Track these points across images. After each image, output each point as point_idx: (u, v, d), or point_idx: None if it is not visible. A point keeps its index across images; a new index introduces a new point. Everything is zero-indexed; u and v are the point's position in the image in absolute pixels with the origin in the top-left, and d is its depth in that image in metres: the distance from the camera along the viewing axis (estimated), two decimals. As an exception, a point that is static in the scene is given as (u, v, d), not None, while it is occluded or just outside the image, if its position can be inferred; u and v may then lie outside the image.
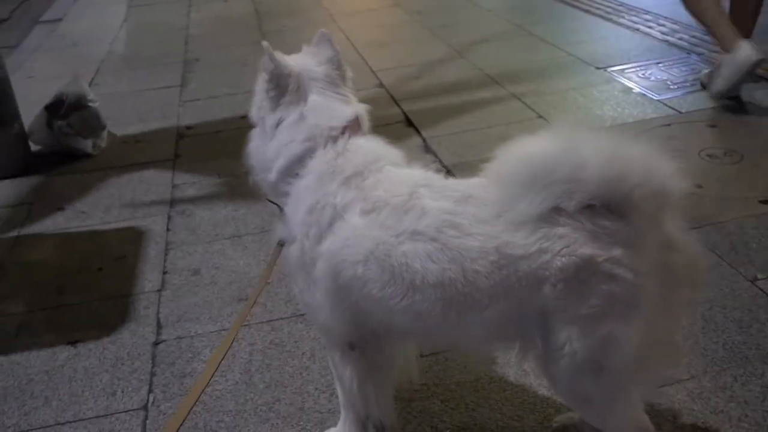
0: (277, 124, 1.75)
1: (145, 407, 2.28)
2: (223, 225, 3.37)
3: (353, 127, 1.77)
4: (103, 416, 2.27)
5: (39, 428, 2.24)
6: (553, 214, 1.49)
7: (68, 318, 2.77)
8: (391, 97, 4.78)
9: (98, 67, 5.99)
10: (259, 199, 2.01)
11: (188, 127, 4.60)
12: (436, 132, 4.17)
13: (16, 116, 4.05)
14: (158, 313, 2.75)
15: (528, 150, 1.53)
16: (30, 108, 4.25)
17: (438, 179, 1.71)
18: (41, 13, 8.56)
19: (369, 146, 1.76)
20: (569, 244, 1.47)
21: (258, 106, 1.81)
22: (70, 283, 2.99)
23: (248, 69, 5.61)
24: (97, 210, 3.61)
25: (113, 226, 3.44)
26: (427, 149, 3.97)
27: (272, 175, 1.78)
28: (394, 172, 1.72)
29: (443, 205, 1.61)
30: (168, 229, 3.36)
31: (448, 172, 3.67)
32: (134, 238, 3.31)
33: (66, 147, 4.18)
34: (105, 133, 4.38)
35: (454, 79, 5.02)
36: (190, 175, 3.93)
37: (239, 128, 4.62)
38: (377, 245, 1.60)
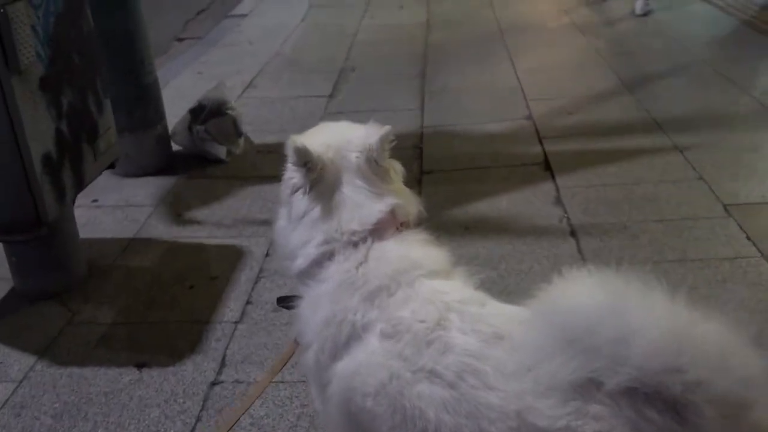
0: (302, 216, 1.56)
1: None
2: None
3: (382, 228, 1.53)
4: (138, 456, 2.23)
5: (78, 456, 2.24)
6: (592, 387, 1.15)
7: (146, 337, 2.79)
8: (536, 132, 4.39)
9: (261, 68, 6.16)
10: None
11: (322, 142, 4.54)
12: (573, 181, 3.75)
13: (160, 118, 4.23)
14: (227, 348, 2.68)
15: (573, 298, 1.20)
16: (188, 107, 4.42)
17: (476, 302, 1.43)
18: (234, 6, 9.04)
19: (400, 252, 1.51)
20: (603, 430, 1.13)
21: (287, 186, 1.62)
22: (160, 298, 3.03)
23: (399, 85, 5.50)
24: (211, 221, 3.65)
25: (218, 241, 3.46)
26: (558, 201, 3.57)
27: (293, 270, 1.59)
28: (428, 287, 1.46)
29: (470, 342, 1.33)
30: (267, 255, 3.30)
31: (573, 233, 3.27)
32: (233, 257, 3.29)
33: (202, 151, 4.29)
34: (241, 141, 4.45)
35: (612, 120, 4.52)
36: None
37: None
38: (391, 379, 1.36)
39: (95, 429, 2.34)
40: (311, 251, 1.54)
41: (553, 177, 3.82)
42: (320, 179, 1.55)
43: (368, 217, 1.53)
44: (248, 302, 2.96)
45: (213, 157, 4.29)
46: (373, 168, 1.57)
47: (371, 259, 1.49)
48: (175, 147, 4.41)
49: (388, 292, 1.45)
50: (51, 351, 2.72)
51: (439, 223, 3.58)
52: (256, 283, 3.09)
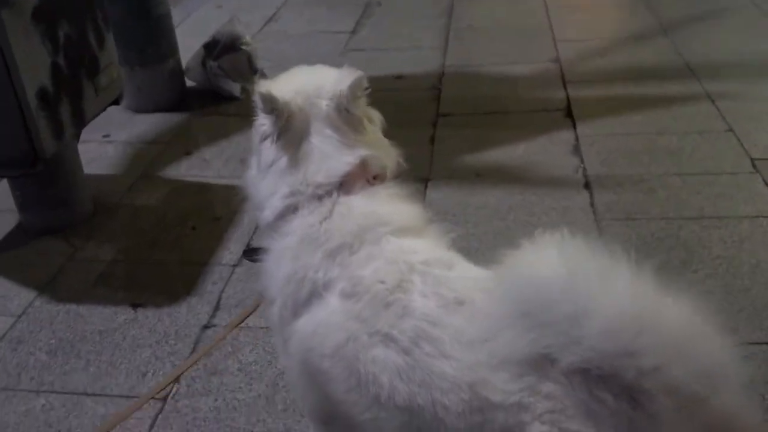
0: (270, 165, 1.48)
1: (164, 399, 2.22)
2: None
3: (350, 181, 1.44)
4: (125, 397, 2.24)
5: (68, 393, 2.26)
6: (547, 364, 1.07)
7: (144, 277, 2.78)
8: (562, 76, 4.19)
9: (284, 1, 5.98)
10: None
11: (339, 81, 4.41)
12: (594, 129, 3.58)
13: (173, 52, 4.14)
14: (222, 291, 2.66)
15: (534, 268, 1.11)
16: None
17: (442, 264, 1.34)
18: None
19: (367, 207, 1.42)
20: (555, 409, 1.06)
21: (257, 133, 1.53)
22: (162, 238, 3.01)
23: (424, 22, 5.29)
24: (219, 160, 3.60)
25: (225, 181, 3.40)
26: (575, 151, 3.42)
27: (261, 221, 1.53)
28: (394, 245, 1.38)
29: (429, 307, 1.26)
30: (272, 196, 3.25)
31: (587, 185, 3.13)
32: (237, 199, 3.24)
33: (216, 87, 4.21)
34: (256, 77, 4.34)
35: (644, 64, 4.28)
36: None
37: (388, 90, 4.40)
38: (348, 341, 1.31)
39: (87, 367, 2.36)
40: (276, 203, 1.47)
41: (573, 124, 3.65)
42: (288, 127, 1.46)
43: (335, 170, 1.44)
44: (248, 245, 2.92)
45: (227, 93, 4.21)
46: (343, 117, 1.47)
47: (336, 214, 1.41)
48: (189, 82, 4.33)
49: (350, 249, 1.37)
50: (51, 287, 2.74)
51: (450, 169, 3.50)
52: (258, 226, 3.05)
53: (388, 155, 1.56)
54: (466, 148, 3.53)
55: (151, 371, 2.33)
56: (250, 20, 5.45)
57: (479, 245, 2.79)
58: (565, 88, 4.04)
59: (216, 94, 4.23)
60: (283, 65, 4.61)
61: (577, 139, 3.51)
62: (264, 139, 1.49)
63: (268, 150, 1.48)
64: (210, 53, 4.18)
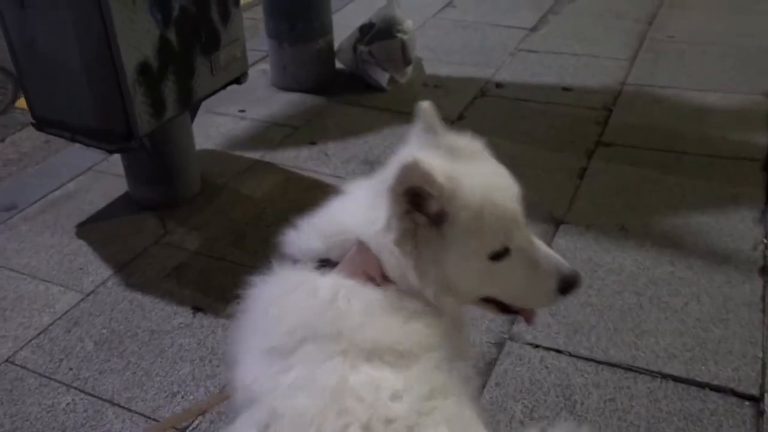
0: None
1: (183, 430, 1.98)
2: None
3: None
4: (146, 417, 2.03)
5: (95, 396, 2.11)
6: None
7: (218, 278, 2.57)
8: (773, 117, 3.38)
9: (469, -15, 5.53)
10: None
11: (498, 85, 3.93)
12: (795, 196, 2.80)
13: (325, 31, 3.89)
14: (288, 313, 2.37)
15: None
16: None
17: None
18: None
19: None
20: None
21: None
22: (252, 234, 2.79)
23: (619, 26, 4.58)
24: (340, 158, 3.30)
25: (338, 182, 3.10)
26: (762, 219, 2.68)
27: None
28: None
29: None
30: (380, 209, 2.90)
31: (765, 270, 2.42)
32: (344, 206, 2.93)
33: (363, 75, 3.92)
34: (409, 69, 3.99)
35: None
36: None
37: (550, 103, 3.83)
38: None
39: (125, 370, 2.19)
40: None
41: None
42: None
43: None
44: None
45: (374, 82, 3.90)
46: None
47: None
48: (339, 65, 4.08)
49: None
50: (128, 269, 2.62)
51: (593, 214, 2.92)
52: (354, 241, 2.72)
53: None
54: (620, 191, 2.92)
55: (182, 393, 2.11)
56: (426, 2, 5.10)
57: (597, 322, 2.24)
58: (772, 133, 3.24)
59: (364, 81, 3.94)
60: (445, 58, 4.24)
61: (763, 214, 2.76)
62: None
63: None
64: (363, 37, 3.88)
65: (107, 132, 2.51)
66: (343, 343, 1.00)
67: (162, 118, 2.59)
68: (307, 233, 1.21)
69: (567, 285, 1.16)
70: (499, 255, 1.12)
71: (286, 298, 1.09)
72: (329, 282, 1.08)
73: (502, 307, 1.20)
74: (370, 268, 1.08)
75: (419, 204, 1.09)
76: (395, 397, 0.95)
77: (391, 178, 1.07)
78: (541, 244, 1.20)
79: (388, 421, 0.92)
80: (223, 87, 2.93)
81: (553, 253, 1.20)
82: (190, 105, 2.75)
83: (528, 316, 1.23)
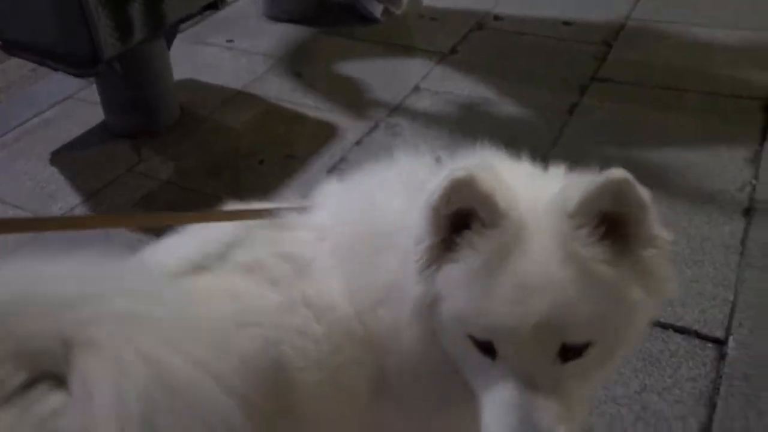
0: None
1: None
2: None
3: None
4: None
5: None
6: None
7: (185, 208, 2.52)
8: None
9: None
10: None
11: (496, 17, 3.77)
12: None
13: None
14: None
15: None
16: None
17: None
18: None
19: None
20: None
21: None
22: (227, 167, 2.74)
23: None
24: (323, 90, 3.21)
25: (320, 114, 3.02)
26: (755, 159, 2.56)
27: None
28: None
29: None
30: (358, 143, 2.82)
31: (748, 212, 2.32)
32: (322, 138, 2.86)
33: (357, 5, 3.78)
34: (405, 0, 3.83)
35: None
36: (445, 78, 3.22)
37: (549, 37, 3.65)
38: None
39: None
40: None
41: (766, 123, 2.75)
42: None
43: None
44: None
45: (367, 13, 3.76)
46: None
47: None
48: (332, -5, 3.94)
49: None
50: (96, 197, 2.60)
51: (577, 150, 2.80)
52: (328, 172, 2.65)
53: None
54: (610, 128, 2.80)
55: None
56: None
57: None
58: (778, 73, 3.07)
59: (357, 12, 3.80)
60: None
61: (762, 144, 2.63)
62: None
63: None
64: (356, -36, 3.73)
65: (72, 55, 2.45)
66: None
67: (129, 41, 2.51)
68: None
69: None
70: (483, 348, 0.89)
71: None
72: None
73: None
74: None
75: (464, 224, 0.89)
76: None
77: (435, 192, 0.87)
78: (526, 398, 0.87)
79: None
80: (200, 12, 2.85)
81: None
82: (161, 29, 2.67)
83: None
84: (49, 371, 0.80)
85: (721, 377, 1.80)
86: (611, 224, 0.87)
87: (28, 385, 0.81)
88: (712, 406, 1.74)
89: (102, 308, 0.81)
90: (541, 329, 0.84)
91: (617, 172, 0.84)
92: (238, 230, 1.10)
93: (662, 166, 2.57)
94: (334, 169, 2.67)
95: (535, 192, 0.92)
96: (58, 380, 0.80)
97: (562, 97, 3.02)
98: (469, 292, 0.88)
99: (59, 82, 3.24)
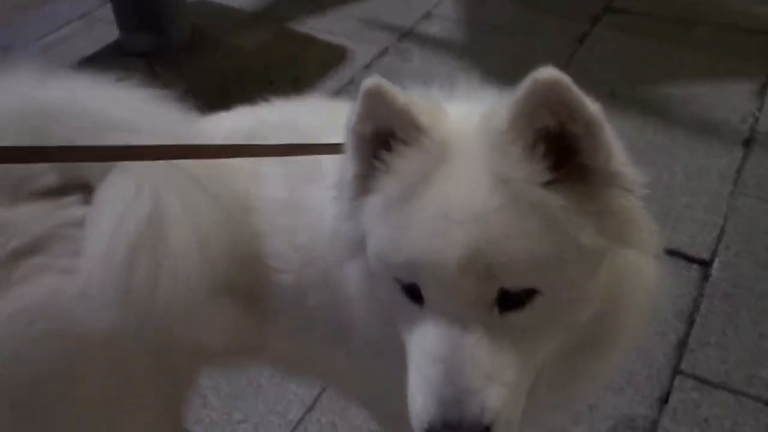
0: None
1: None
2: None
3: None
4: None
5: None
6: None
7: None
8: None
9: None
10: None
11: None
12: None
13: None
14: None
15: None
16: None
17: None
18: None
19: None
20: None
21: None
22: (235, 88, 2.78)
23: None
24: (334, 14, 3.22)
25: (331, 38, 3.04)
26: (758, 94, 2.57)
27: None
28: None
29: None
30: (367, 66, 2.85)
31: (748, 142, 2.34)
32: (331, 61, 2.90)
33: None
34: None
35: None
36: (457, 5, 3.21)
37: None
38: None
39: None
40: None
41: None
42: None
43: None
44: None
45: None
46: None
47: None
48: None
49: None
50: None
51: (586, 79, 2.78)
52: (336, 94, 2.70)
53: None
54: (618, 59, 2.81)
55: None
56: None
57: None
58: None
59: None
60: None
61: (769, 77, 2.63)
62: None
63: None
64: None
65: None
66: None
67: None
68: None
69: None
70: (410, 292, 0.78)
71: None
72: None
73: None
74: None
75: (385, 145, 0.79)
76: None
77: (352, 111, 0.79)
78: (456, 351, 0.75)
79: None
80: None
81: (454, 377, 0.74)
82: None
83: None
84: (86, 181, 0.90)
85: (702, 296, 1.87)
86: (560, 149, 0.73)
87: (61, 190, 0.90)
88: (690, 323, 1.81)
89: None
90: (469, 267, 0.71)
91: (545, 71, 0.70)
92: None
93: (666, 97, 2.58)
94: (341, 92, 2.71)
95: (473, 112, 0.80)
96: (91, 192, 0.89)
97: (573, 26, 3.01)
98: (386, 224, 0.77)
99: (76, 1, 3.28)
